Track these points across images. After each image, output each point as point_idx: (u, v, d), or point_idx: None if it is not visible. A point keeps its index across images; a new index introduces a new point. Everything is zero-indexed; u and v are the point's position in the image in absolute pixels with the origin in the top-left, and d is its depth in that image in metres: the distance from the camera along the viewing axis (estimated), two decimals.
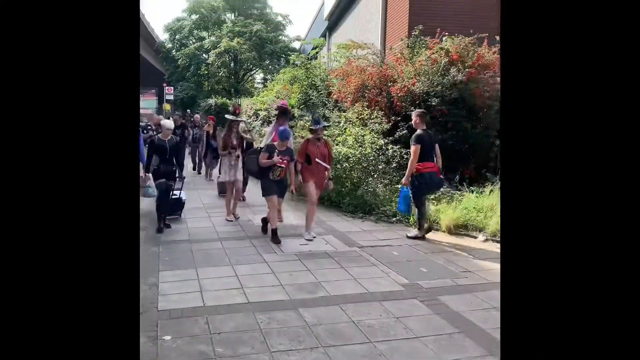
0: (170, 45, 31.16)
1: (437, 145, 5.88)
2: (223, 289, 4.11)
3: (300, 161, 5.75)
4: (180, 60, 29.01)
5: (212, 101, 22.45)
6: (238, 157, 6.67)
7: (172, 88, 27.81)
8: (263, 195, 5.69)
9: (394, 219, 6.64)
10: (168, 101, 27.55)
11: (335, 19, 18.42)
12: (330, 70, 11.49)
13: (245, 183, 7.67)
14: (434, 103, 7.51)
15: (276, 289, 4.15)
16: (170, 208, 6.37)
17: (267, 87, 19.97)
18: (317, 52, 12.99)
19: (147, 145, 6.19)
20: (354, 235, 5.98)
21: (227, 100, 22.70)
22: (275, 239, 5.57)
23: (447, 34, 8.46)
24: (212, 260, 4.90)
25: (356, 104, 8.80)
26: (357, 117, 8.39)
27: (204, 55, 28.88)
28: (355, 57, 9.84)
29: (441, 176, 5.91)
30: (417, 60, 8.09)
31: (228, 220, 6.67)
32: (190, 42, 29.95)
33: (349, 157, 7.42)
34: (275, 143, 5.69)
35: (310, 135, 5.98)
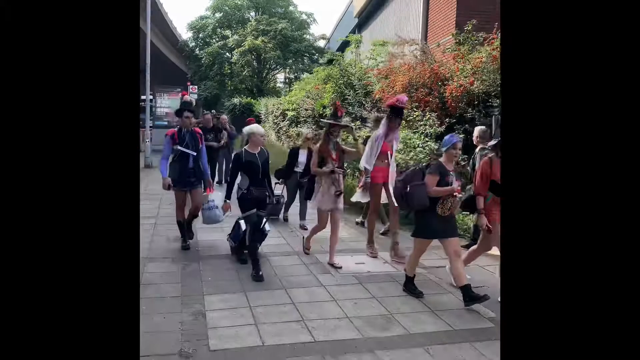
0: (193, 43, 30.82)
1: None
2: (281, 321, 3.50)
3: (484, 194, 3.97)
4: (203, 59, 28.65)
5: (236, 100, 21.97)
6: (339, 176, 4.82)
7: (196, 87, 27.48)
8: (419, 236, 3.99)
9: None
10: None
11: (366, 16, 17.75)
12: (369, 68, 10.81)
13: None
14: (495, 104, 6.78)
15: (342, 322, 3.52)
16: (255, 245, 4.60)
17: (292, 86, 19.39)
18: (355, 48, 12.32)
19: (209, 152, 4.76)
20: None
21: (252, 100, 22.17)
22: (413, 287, 4.11)
23: None
24: (261, 282, 4.30)
25: None
26: (404, 119, 7.70)
27: (227, 54, 28.47)
28: (399, 54, 9.15)
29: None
30: (474, 57, 7.36)
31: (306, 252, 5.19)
32: (214, 40, 29.55)
33: (399, 163, 6.73)
34: (441, 160, 3.95)
35: (490, 153, 4.14)
